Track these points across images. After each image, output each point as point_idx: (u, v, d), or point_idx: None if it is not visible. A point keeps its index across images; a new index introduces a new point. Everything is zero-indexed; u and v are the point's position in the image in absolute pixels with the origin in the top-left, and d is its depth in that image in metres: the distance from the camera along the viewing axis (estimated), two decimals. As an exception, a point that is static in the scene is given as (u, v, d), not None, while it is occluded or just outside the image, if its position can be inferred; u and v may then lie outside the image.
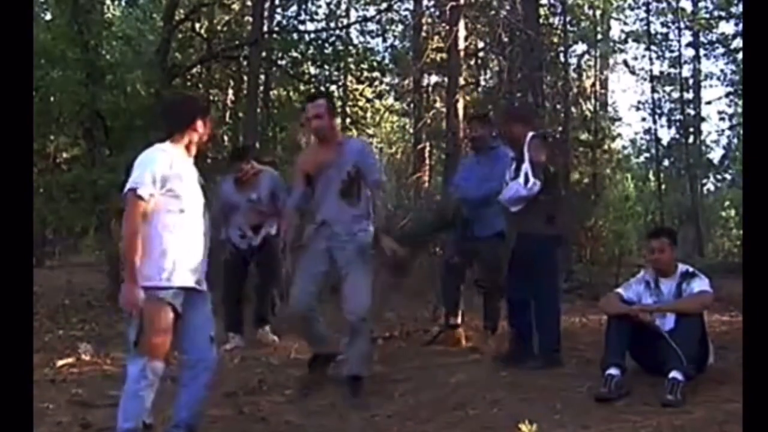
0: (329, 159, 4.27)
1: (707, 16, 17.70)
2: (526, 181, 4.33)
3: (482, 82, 12.71)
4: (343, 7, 15.73)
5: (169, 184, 3.18)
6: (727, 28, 17.55)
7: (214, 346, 3.40)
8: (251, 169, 5.83)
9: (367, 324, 4.27)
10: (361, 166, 4.25)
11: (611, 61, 19.49)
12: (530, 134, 4.43)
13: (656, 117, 19.11)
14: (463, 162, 6.60)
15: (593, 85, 17.40)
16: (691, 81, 19.10)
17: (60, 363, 5.20)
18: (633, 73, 19.51)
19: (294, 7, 13.58)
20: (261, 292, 6.07)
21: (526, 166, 4.35)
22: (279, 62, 12.68)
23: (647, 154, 21.27)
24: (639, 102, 20.33)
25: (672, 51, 18.82)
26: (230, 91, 14.57)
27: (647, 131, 20.40)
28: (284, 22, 13.63)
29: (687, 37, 18.70)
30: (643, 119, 20.44)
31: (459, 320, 5.50)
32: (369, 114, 16.95)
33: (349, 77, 14.93)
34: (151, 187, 3.13)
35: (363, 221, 4.27)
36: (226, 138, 13.93)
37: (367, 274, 4.22)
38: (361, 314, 4.12)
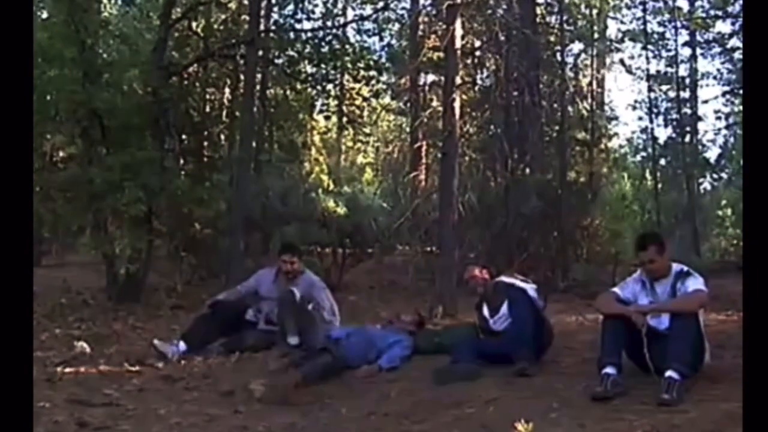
0: None
1: (704, 15, 17.68)
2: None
3: (479, 81, 12.66)
4: (340, 5, 15.75)
5: None
6: (724, 27, 17.54)
7: None
8: (298, 268, 6.01)
9: None
10: None
11: (608, 60, 19.48)
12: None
13: (653, 116, 19.02)
14: None
15: (590, 84, 17.39)
16: (687, 80, 19.03)
17: (57, 362, 5.20)
18: (629, 72, 19.46)
19: (291, 6, 13.56)
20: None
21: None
22: (276, 61, 12.65)
23: (644, 153, 21.25)
24: (635, 101, 20.27)
25: (668, 50, 18.74)
26: (227, 90, 14.52)
27: (644, 130, 20.38)
28: (281, 20, 13.60)
29: (684, 36, 18.62)
30: (640, 118, 20.49)
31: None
32: (366, 113, 16.96)
33: (346, 76, 14.90)
34: None
35: None
36: (222, 137, 13.91)
37: None
38: None
